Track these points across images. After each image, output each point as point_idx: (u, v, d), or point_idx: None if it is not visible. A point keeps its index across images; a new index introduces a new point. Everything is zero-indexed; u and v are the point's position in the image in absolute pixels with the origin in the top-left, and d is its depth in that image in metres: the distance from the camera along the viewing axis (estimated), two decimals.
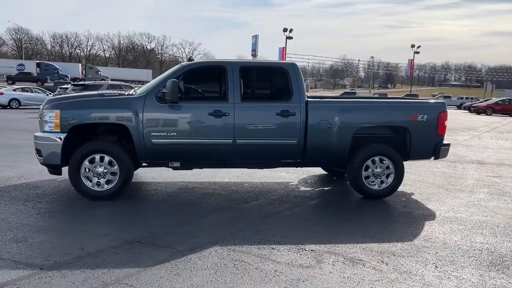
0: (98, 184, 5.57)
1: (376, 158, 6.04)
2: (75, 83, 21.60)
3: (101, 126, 5.81)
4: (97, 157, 5.51)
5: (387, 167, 6.07)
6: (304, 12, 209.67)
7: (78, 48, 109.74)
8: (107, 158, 5.53)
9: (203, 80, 6.42)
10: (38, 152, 5.58)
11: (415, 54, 68.82)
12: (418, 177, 7.78)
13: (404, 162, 6.15)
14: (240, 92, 5.74)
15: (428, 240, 4.44)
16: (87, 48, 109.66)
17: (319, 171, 7.85)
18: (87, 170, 5.53)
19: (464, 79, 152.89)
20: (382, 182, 6.10)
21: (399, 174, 6.10)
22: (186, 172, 7.03)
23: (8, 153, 8.87)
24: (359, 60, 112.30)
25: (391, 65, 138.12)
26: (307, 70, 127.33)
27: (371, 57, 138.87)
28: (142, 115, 5.52)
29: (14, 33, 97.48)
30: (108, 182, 5.59)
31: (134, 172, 6.09)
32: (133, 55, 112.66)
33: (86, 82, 21.79)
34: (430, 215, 5.39)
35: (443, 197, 6.38)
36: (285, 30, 52.09)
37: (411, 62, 71.01)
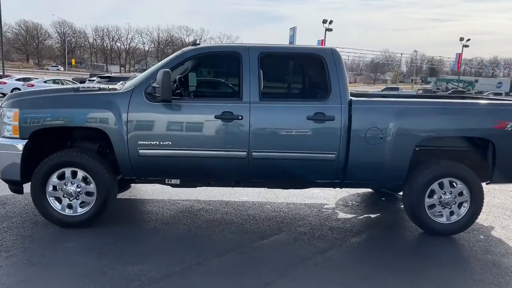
0: (70, 206, 4.24)
1: (445, 181, 4.36)
2: (101, 75, 20.71)
3: (77, 131, 4.46)
4: (68, 172, 4.18)
5: (460, 194, 4.39)
6: (345, 4, 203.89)
7: (118, 41, 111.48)
8: (80, 174, 4.19)
9: (209, 71, 4.98)
10: None
11: (463, 47, 64.37)
12: (493, 200, 5.98)
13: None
14: (258, 87, 4.23)
15: None
16: (127, 41, 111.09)
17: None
18: (55, 188, 4.21)
19: None
20: (452, 213, 4.43)
21: (477, 203, 4.40)
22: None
23: None
24: (401, 54, 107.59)
25: (435, 59, 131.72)
26: (347, 64, 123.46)
27: (415, 51, 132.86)
28: (127, 116, 4.12)
29: (58, 26, 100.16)
30: (82, 204, 4.25)
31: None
32: (171, 48, 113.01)
33: (112, 74, 20.89)
34: None
35: None
36: (324, 21, 49.82)
37: (459, 56, 66.53)
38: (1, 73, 32.86)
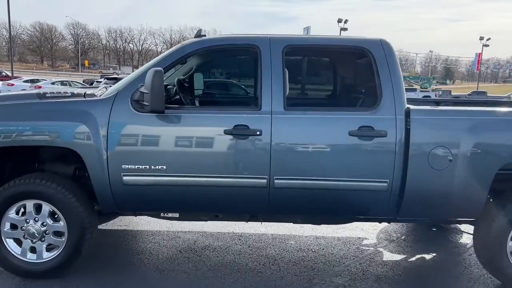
0: (33, 250, 3.20)
1: None
2: (108, 76, 19.80)
3: (45, 150, 3.41)
4: (30, 205, 3.14)
5: None
6: (357, 5, 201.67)
7: (131, 42, 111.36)
8: (46, 208, 3.15)
9: (217, 71, 3.89)
10: None
11: (483, 47, 62.21)
12: None
13: None
14: (283, 92, 3.14)
15: None
16: (139, 43, 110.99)
17: None
18: (13, 227, 3.18)
19: None
20: None
21: None
22: None
23: None
24: (416, 54, 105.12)
25: (450, 59, 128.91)
26: None
27: (430, 51, 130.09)
28: (106, 132, 3.06)
29: (72, 27, 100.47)
30: (50, 247, 3.22)
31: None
32: None
33: (120, 76, 19.98)
34: None
35: None
36: (339, 21, 48.39)
37: (478, 56, 64.34)
38: (10, 75, 32.35)
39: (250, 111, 3.19)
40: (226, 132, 3.07)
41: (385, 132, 3.10)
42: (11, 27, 29.04)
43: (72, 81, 26.27)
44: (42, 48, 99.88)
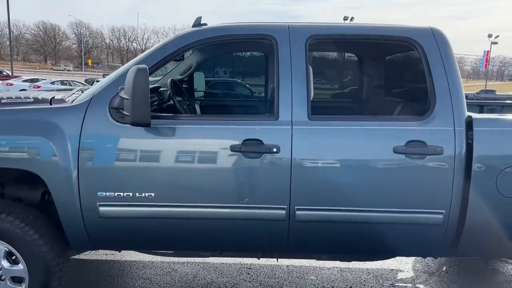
0: None
1: None
2: (107, 74, 19.12)
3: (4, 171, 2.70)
4: None
5: None
6: (362, 3, 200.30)
7: (134, 41, 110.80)
8: (1, 247, 2.44)
9: (220, 70, 3.16)
10: None
11: (492, 44, 61.07)
12: None
13: None
14: (307, 97, 2.41)
15: None
16: (143, 41, 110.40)
17: None
18: None
19: None
20: None
21: None
22: None
23: None
24: None
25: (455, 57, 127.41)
26: None
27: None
28: (78, 149, 2.34)
29: (75, 27, 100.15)
30: None
31: None
32: None
33: None
34: None
35: None
36: (345, 18, 47.64)
37: (487, 53, 63.19)
38: (10, 74, 31.81)
39: (264, 121, 2.47)
40: (233, 149, 2.35)
41: (440, 148, 2.37)
42: (15, 27, 28.54)
43: (73, 81, 25.61)
44: (46, 47, 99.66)
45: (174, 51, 2.50)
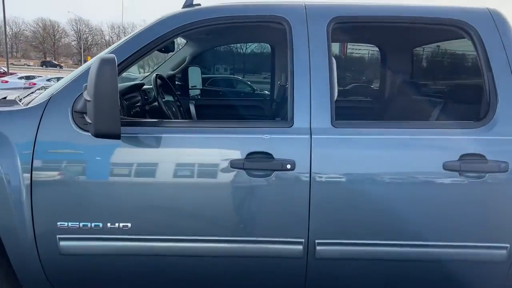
0: None
1: None
2: None
3: None
4: None
5: None
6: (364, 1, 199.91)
7: None
8: None
9: (219, 64, 2.59)
10: None
11: None
12: None
13: None
14: (330, 98, 1.85)
15: None
16: None
17: None
18: None
19: None
20: None
21: None
22: None
23: None
24: (423, 49, 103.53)
25: (456, 54, 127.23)
26: (365, 61, 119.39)
27: (437, 46, 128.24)
28: (31, 166, 1.78)
29: (74, 23, 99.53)
30: None
31: None
32: None
33: None
34: None
35: None
36: None
37: None
38: (6, 71, 31.24)
39: (274, 128, 1.90)
40: (234, 165, 1.79)
41: (505, 164, 1.80)
42: (15, 24, 27.99)
43: None
44: (45, 44, 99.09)
45: (155, 39, 1.91)
